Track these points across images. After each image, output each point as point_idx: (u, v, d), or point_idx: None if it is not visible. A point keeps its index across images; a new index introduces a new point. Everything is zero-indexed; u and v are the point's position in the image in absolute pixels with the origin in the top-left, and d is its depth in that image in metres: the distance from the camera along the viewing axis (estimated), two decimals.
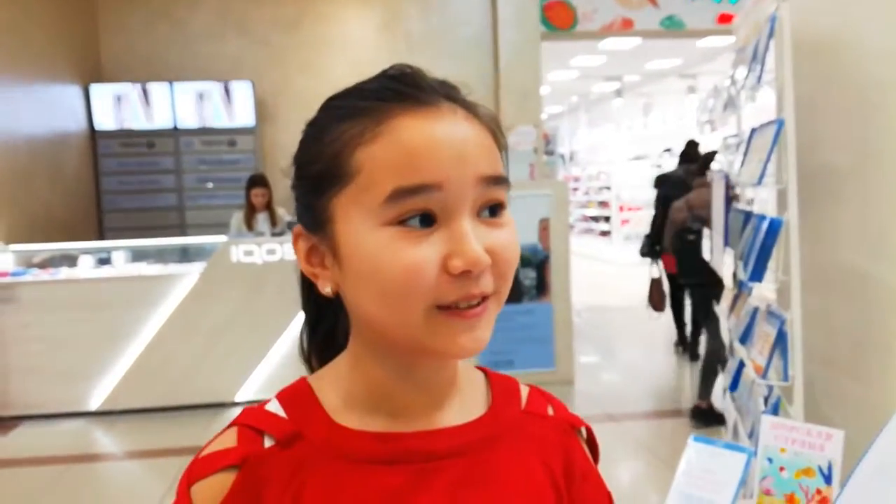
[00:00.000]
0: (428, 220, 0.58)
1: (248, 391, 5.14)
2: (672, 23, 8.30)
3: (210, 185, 7.38)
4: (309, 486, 0.62)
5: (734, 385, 2.68)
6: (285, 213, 5.91)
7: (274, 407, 0.66)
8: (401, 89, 0.61)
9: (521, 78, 7.48)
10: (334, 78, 6.83)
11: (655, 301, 5.88)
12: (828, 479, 1.40)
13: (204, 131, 7.31)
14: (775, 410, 2.13)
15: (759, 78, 2.06)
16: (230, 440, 0.64)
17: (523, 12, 7.49)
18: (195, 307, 5.11)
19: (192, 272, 5.16)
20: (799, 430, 1.46)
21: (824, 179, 2.31)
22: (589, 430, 0.76)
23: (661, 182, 6.28)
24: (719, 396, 4.37)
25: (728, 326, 2.77)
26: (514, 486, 0.66)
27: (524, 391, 0.74)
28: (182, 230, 7.24)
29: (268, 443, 0.63)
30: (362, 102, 0.61)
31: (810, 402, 2.20)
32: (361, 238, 0.59)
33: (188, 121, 7.26)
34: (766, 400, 2.28)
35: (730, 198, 2.53)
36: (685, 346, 6.17)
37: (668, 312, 6.13)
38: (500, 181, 0.61)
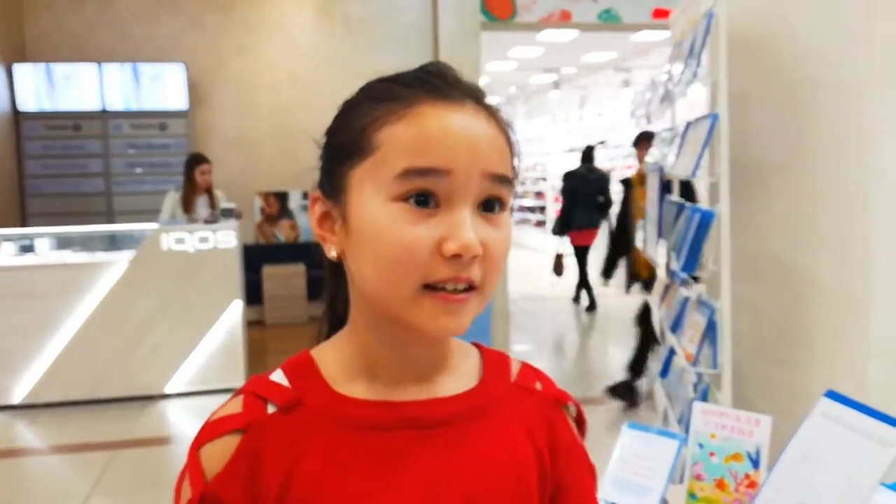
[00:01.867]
0: (432, 202, 0.63)
1: (178, 383, 5.03)
2: (609, 16, 8.43)
3: (139, 169, 7.16)
4: (308, 450, 0.66)
5: (664, 372, 2.75)
6: (223, 198, 5.79)
7: (278, 377, 0.71)
8: (432, 81, 0.66)
9: (461, 67, 7.29)
10: (270, 61, 6.72)
11: (558, 269, 7.51)
12: (756, 463, 1.44)
13: (133, 114, 7.08)
14: (704, 397, 2.19)
15: (695, 73, 2.11)
16: (237, 407, 0.69)
17: (463, 1, 7.48)
18: (123, 297, 4.95)
19: (120, 260, 5.00)
20: (728, 416, 1.50)
21: (754, 173, 2.38)
22: (577, 406, 0.81)
23: (568, 177, 7.97)
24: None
25: (659, 316, 2.84)
26: (498, 454, 0.71)
27: (515, 366, 0.79)
28: (110, 217, 7.03)
29: (271, 409, 0.68)
30: (395, 87, 0.66)
31: (738, 388, 2.27)
32: (370, 209, 0.64)
33: (117, 103, 7.02)
34: (695, 387, 2.34)
35: (664, 190, 2.58)
36: (578, 300, 8.48)
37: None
38: (506, 181, 0.66)
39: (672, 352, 2.70)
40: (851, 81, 2.04)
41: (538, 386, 0.78)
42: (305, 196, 7.70)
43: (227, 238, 5.07)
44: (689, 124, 2.42)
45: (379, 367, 0.70)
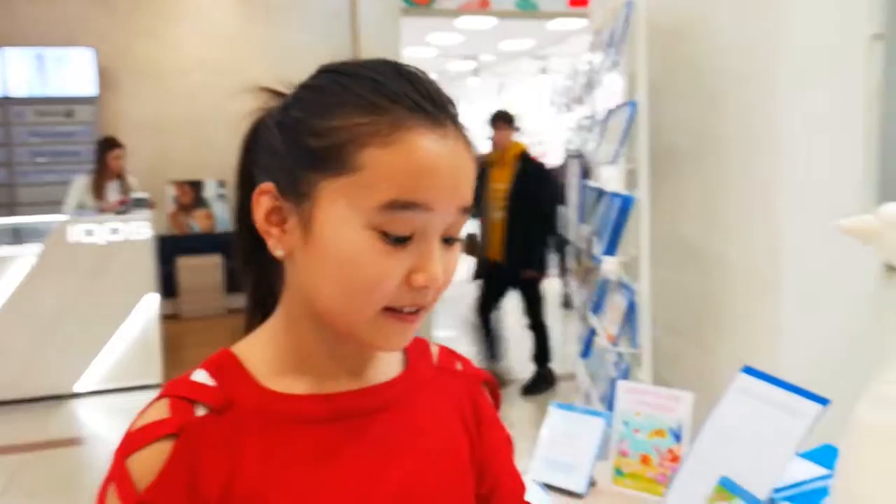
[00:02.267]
0: (407, 238, 0.62)
1: (88, 382, 4.82)
2: (527, 4, 8.53)
3: (42, 159, 6.82)
4: (245, 450, 0.65)
5: (586, 353, 2.82)
6: (136, 185, 5.57)
7: (201, 377, 0.68)
8: (420, 102, 0.63)
9: (381, 53, 7.21)
10: (183, 46, 6.48)
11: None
12: (678, 438, 1.50)
13: (38, 100, 6.72)
14: (625, 376, 2.26)
15: (616, 62, 2.16)
16: (162, 411, 0.65)
17: None
18: (30, 293, 4.70)
19: (25, 254, 4.75)
20: (651, 394, 1.56)
21: (668, 160, 2.47)
22: (492, 382, 0.84)
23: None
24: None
25: (581, 297, 2.91)
26: (433, 435, 0.73)
27: (434, 349, 0.81)
28: (12, 209, 6.66)
29: (200, 412, 0.65)
30: (379, 99, 0.62)
31: (655, 367, 2.36)
32: (343, 231, 0.62)
33: (20, 89, 6.65)
34: (616, 366, 2.42)
35: (585, 176, 2.64)
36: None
37: None
38: (468, 210, 0.66)
39: (593, 332, 2.78)
40: (761, 71, 2.14)
41: (459, 366, 0.81)
42: (222, 185, 7.50)
43: (139, 229, 4.88)
44: (609, 112, 2.48)
45: (310, 361, 0.69)
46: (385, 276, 0.61)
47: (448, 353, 0.82)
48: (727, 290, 2.32)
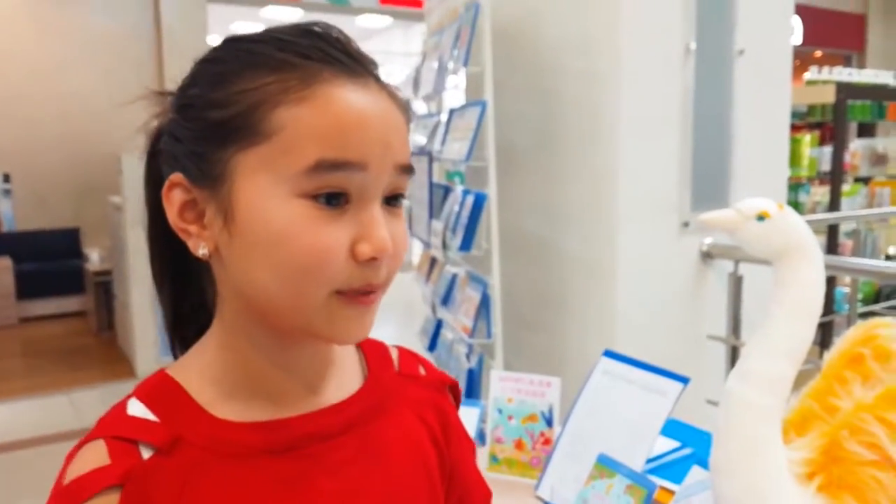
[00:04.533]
0: (343, 199, 0.55)
1: None
2: None
3: None
4: (201, 492, 0.57)
5: (433, 345, 2.89)
6: None
7: (138, 410, 0.59)
8: (333, 53, 0.56)
9: (187, 39, 7.03)
10: None
11: None
12: (549, 422, 1.59)
13: None
14: (479, 366, 2.35)
15: (465, 61, 2.22)
16: (100, 457, 0.56)
17: None
18: None
19: None
20: (523, 381, 1.63)
21: (512, 157, 2.59)
22: (455, 386, 0.79)
23: None
24: None
25: (426, 292, 2.97)
26: (402, 451, 0.67)
27: (394, 353, 0.75)
28: None
29: (146, 453, 0.57)
30: (287, 56, 0.56)
31: (505, 356, 2.47)
32: (270, 206, 0.54)
33: None
34: (467, 357, 2.50)
35: (431, 173, 2.70)
36: None
37: None
38: (409, 170, 0.60)
39: (439, 325, 2.84)
40: (596, 70, 2.31)
41: (422, 371, 0.75)
42: (7, 178, 6.74)
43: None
44: (452, 111, 2.54)
45: (259, 380, 0.61)
46: (325, 246, 0.54)
47: (409, 357, 0.76)
48: (566, 279, 2.48)
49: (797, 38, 8.90)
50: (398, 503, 0.66)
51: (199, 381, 0.61)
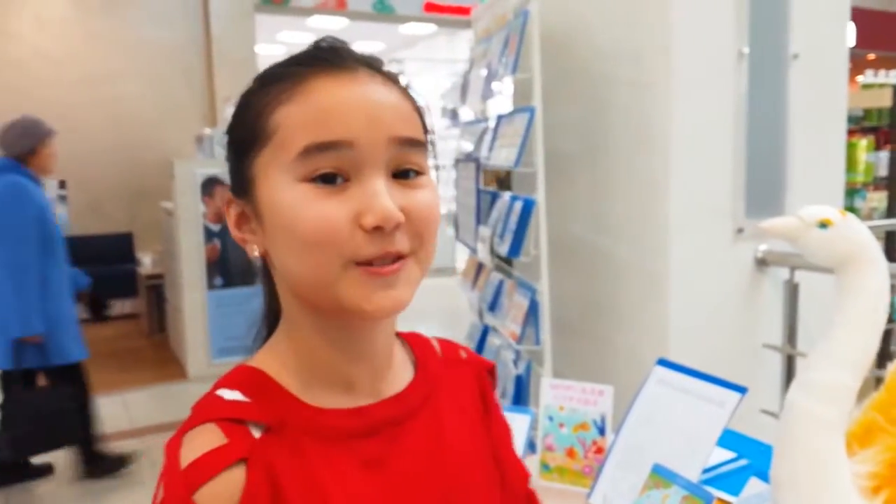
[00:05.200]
0: (339, 178, 0.60)
1: None
2: (383, 6, 8.55)
3: None
4: (314, 468, 0.62)
5: (479, 351, 2.89)
6: None
7: (235, 395, 0.64)
8: (320, 55, 0.63)
9: (236, 49, 7.17)
10: (17, 35, 5.90)
11: None
12: (602, 430, 1.57)
13: None
14: (528, 373, 2.34)
15: (514, 68, 2.23)
16: (215, 438, 0.60)
17: None
18: None
19: None
20: (574, 389, 1.62)
21: (560, 163, 2.58)
22: (494, 368, 0.84)
23: None
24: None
25: (472, 298, 2.97)
26: (458, 430, 0.73)
27: (435, 343, 0.80)
28: None
29: (256, 433, 0.62)
30: (287, 68, 0.63)
31: (553, 363, 2.45)
32: (278, 195, 0.61)
33: None
34: (514, 363, 2.49)
35: (478, 179, 2.70)
36: None
37: None
38: (417, 144, 0.63)
39: (486, 331, 2.84)
40: (646, 76, 2.29)
41: (463, 355, 0.81)
42: (62, 185, 6.93)
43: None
44: (500, 117, 2.54)
45: (330, 368, 0.66)
46: (327, 218, 0.58)
47: (449, 344, 0.82)
48: (617, 287, 2.46)
49: (851, 40, 8.69)
50: (464, 480, 0.71)
51: (279, 370, 0.66)
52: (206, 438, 0.60)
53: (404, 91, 0.65)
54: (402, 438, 0.67)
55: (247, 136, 0.63)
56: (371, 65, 0.64)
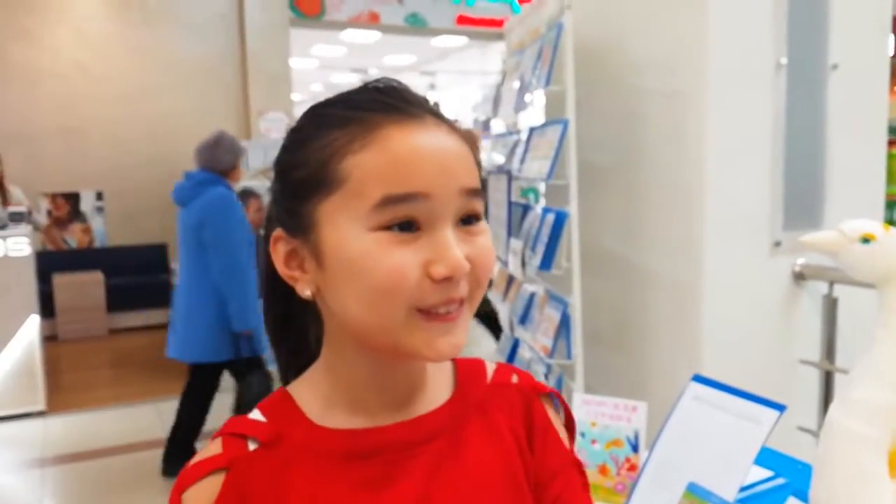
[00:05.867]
0: (412, 226, 0.61)
1: None
2: (416, 20, 8.61)
3: None
4: (292, 483, 0.66)
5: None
6: (22, 195, 5.16)
7: (256, 415, 0.70)
8: (388, 101, 0.64)
9: (271, 62, 7.27)
10: (56, 49, 6.07)
11: None
12: (635, 447, 1.55)
13: None
14: (559, 387, 2.31)
15: (547, 80, 2.22)
16: (216, 448, 0.67)
17: None
18: None
19: None
20: (607, 405, 1.60)
21: (593, 175, 2.56)
22: (560, 398, 0.80)
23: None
24: None
25: (503, 309, 2.96)
26: (485, 459, 0.71)
27: (490, 367, 0.78)
28: None
29: (252, 446, 0.67)
30: (350, 112, 0.63)
31: (584, 377, 2.43)
32: (349, 243, 0.61)
33: None
34: (545, 377, 2.47)
35: (510, 192, 2.70)
36: None
37: None
38: (478, 193, 0.65)
39: (516, 344, 2.82)
40: (681, 89, 2.26)
41: (514, 379, 0.78)
42: (99, 196, 7.08)
43: (18, 245, 4.52)
44: (532, 129, 2.54)
45: (359, 396, 0.68)
46: (399, 266, 0.59)
47: (505, 369, 0.79)
48: (650, 300, 2.42)
49: (890, 49, 8.54)
50: None
51: (308, 395, 0.70)
52: (211, 448, 0.67)
53: (464, 138, 0.66)
54: (412, 461, 0.67)
55: (310, 178, 0.63)
56: (434, 112, 0.66)
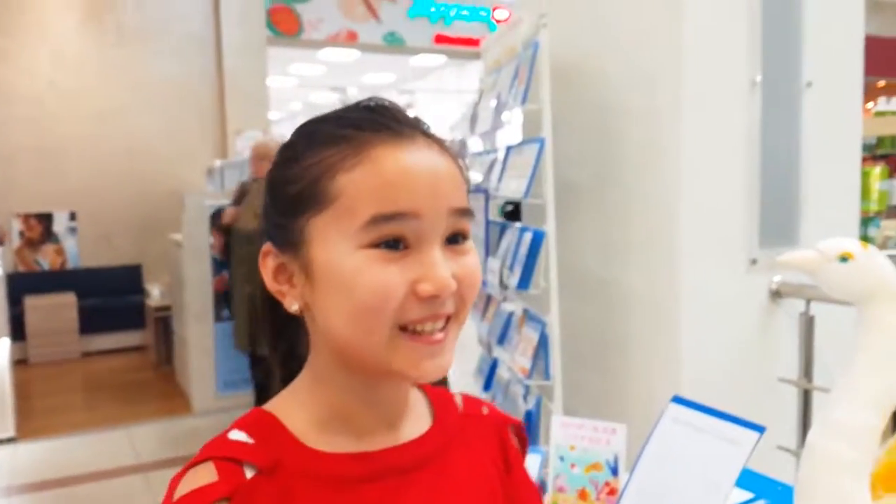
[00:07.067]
0: (400, 244, 0.62)
1: None
2: (393, 38, 8.63)
3: None
4: None
5: (488, 385, 2.83)
6: None
7: (241, 437, 0.66)
8: (380, 120, 0.65)
9: (248, 81, 7.25)
10: (29, 68, 6.02)
11: None
12: (614, 471, 1.52)
13: None
14: (538, 408, 2.28)
15: (524, 98, 2.21)
16: (209, 475, 0.63)
17: (248, 14, 7.27)
18: None
19: None
20: (586, 427, 1.57)
21: (569, 194, 2.55)
22: (519, 426, 0.83)
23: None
24: None
25: (481, 329, 2.93)
26: (471, 485, 0.73)
27: (458, 398, 0.80)
28: None
29: (249, 473, 0.64)
30: (343, 130, 0.64)
31: (563, 397, 2.40)
32: (338, 259, 0.62)
33: None
34: (524, 398, 2.44)
35: (487, 211, 2.68)
36: None
37: None
38: (467, 213, 0.66)
39: (494, 365, 2.79)
40: (657, 106, 2.26)
41: (485, 411, 0.81)
42: (73, 217, 6.98)
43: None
44: (509, 148, 2.53)
45: (346, 416, 0.68)
46: (386, 284, 0.60)
47: (472, 400, 0.82)
48: (629, 319, 2.41)
49: (863, 67, 8.65)
50: None
51: (292, 415, 0.68)
52: (201, 475, 0.63)
53: (454, 158, 0.67)
54: (407, 488, 0.68)
55: (302, 194, 0.64)
56: (424, 131, 0.67)
